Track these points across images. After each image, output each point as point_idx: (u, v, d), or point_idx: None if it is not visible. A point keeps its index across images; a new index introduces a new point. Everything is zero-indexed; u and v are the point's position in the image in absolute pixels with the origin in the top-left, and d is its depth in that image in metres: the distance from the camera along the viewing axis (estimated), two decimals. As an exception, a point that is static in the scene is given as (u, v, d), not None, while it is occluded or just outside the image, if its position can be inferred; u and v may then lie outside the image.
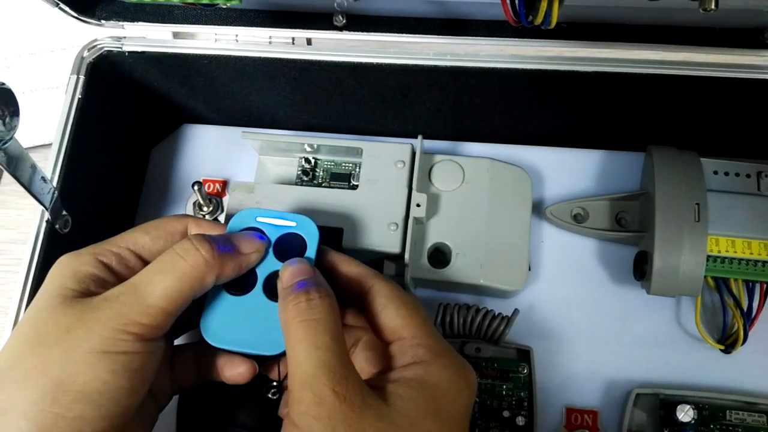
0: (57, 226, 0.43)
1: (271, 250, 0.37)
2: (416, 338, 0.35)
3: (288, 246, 0.37)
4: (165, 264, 0.33)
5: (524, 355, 0.48)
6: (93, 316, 0.31)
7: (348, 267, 0.38)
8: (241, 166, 0.55)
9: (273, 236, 0.38)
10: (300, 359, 0.32)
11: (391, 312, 0.36)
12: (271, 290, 0.36)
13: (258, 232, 0.37)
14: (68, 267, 0.34)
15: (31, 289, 0.42)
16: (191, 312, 0.36)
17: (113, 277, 0.34)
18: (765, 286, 0.46)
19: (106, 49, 0.47)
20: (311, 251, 0.37)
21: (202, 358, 0.38)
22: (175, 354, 0.38)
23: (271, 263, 0.37)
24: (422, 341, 0.34)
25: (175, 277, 0.33)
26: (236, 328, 0.36)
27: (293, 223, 0.38)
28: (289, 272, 0.35)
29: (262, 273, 0.37)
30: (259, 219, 0.38)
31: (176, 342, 0.39)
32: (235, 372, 0.37)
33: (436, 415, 0.32)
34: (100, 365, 0.31)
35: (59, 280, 0.34)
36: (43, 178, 0.41)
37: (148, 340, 0.32)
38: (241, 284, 0.37)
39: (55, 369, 0.30)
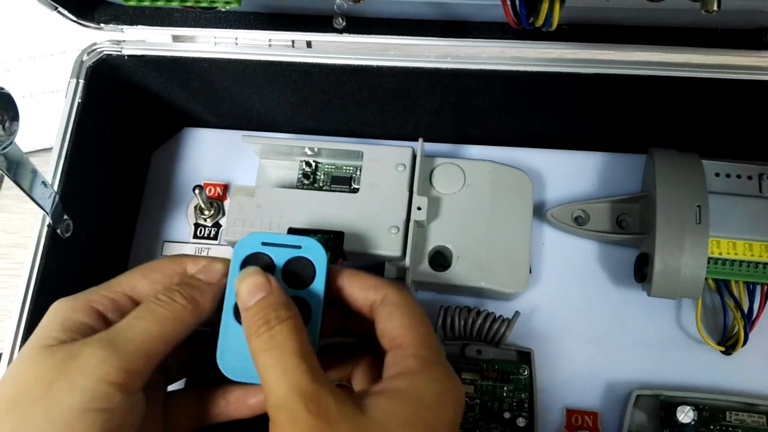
0: (59, 231, 0.43)
1: (280, 277, 0.36)
2: (411, 348, 0.34)
3: (296, 271, 0.36)
4: (143, 311, 0.33)
5: (525, 356, 0.48)
6: (75, 366, 0.31)
7: (361, 281, 0.37)
8: (242, 169, 0.55)
9: (280, 261, 0.36)
10: (271, 385, 0.31)
11: (395, 320, 0.35)
12: None
13: (264, 256, 0.36)
14: (59, 314, 0.34)
15: (33, 293, 0.42)
16: (186, 356, 0.36)
17: (105, 326, 0.34)
18: (766, 287, 0.46)
19: (105, 52, 0.47)
20: (320, 274, 0.36)
21: (208, 399, 0.37)
22: (170, 401, 0.37)
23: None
24: (416, 351, 0.34)
25: (155, 320, 0.33)
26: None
27: (299, 246, 0.36)
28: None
29: None
30: (263, 243, 0.36)
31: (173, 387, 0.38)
32: (261, 398, 0.36)
33: (415, 427, 0.31)
34: (79, 425, 0.30)
35: (47, 327, 0.33)
36: (44, 183, 0.41)
37: (129, 393, 0.32)
38: None
39: None
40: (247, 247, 0.36)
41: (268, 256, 0.36)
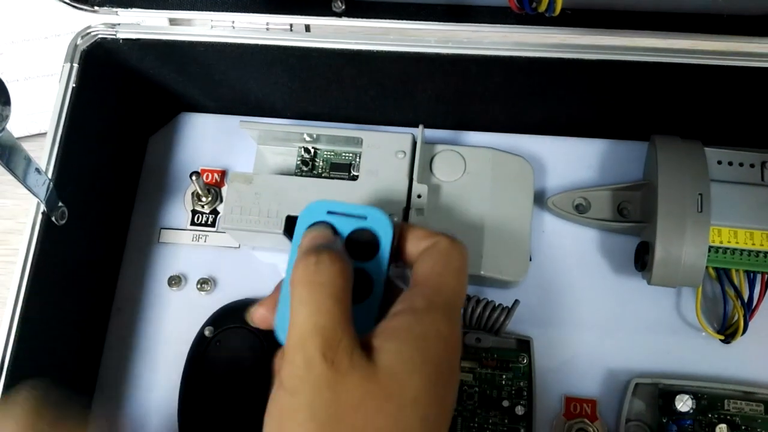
0: (53, 218, 0.43)
1: (342, 246, 0.35)
2: (424, 289, 0.33)
3: (360, 241, 0.35)
4: None
5: (524, 345, 0.48)
6: None
7: (415, 232, 0.36)
8: (240, 155, 0.54)
9: (344, 231, 0.35)
10: (299, 321, 0.31)
11: (427, 263, 0.34)
12: None
13: (329, 226, 0.35)
14: None
15: (28, 280, 0.42)
16: None
17: None
18: (766, 276, 0.46)
19: (100, 36, 0.46)
20: (385, 247, 0.35)
21: None
22: None
23: None
24: (427, 293, 0.33)
25: None
26: None
27: (365, 217, 0.35)
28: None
29: None
30: (329, 212, 0.35)
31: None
32: None
33: (421, 369, 0.31)
34: None
35: None
36: (38, 170, 0.40)
37: None
38: None
39: None
40: (313, 215, 0.35)
41: (332, 225, 0.35)
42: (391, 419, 0.30)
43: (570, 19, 0.43)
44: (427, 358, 0.31)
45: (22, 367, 0.41)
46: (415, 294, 0.33)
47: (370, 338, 0.32)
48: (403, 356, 0.31)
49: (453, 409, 0.33)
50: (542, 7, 0.37)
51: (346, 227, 0.35)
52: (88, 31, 0.46)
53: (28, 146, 0.47)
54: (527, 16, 0.40)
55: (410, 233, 0.36)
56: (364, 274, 0.34)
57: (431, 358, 0.31)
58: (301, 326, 0.31)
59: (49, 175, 0.43)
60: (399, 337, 0.31)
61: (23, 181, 0.39)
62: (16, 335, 0.41)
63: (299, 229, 0.35)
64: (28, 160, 0.39)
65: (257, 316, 0.36)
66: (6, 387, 0.40)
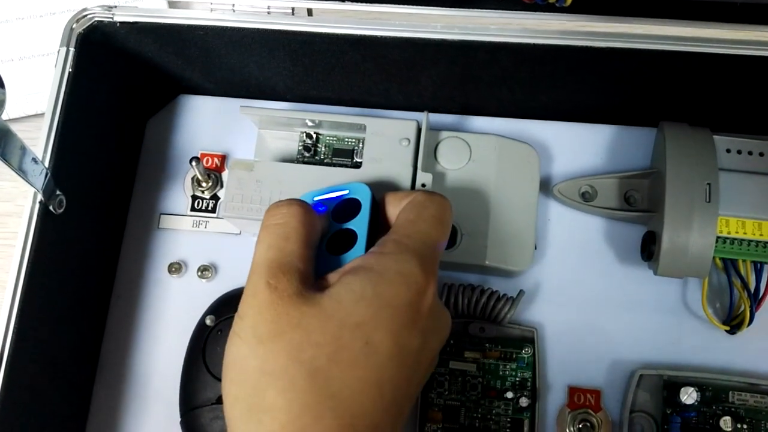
0: (51, 207, 0.42)
1: (330, 217, 0.39)
2: (396, 234, 0.36)
3: (344, 208, 0.39)
4: None
5: (528, 335, 0.47)
6: None
7: (396, 193, 0.39)
8: (241, 138, 0.53)
9: (331, 206, 0.40)
10: (253, 258, 0.34)
11: (402, 212, 0.37)
12: (333, 247, 0.38)
13: (318, 208, 0.40)
14: None
15: (27, 268, 0.41)
16: None
17: None
18: (774, 267, 0.46)
19: (96, 19, 0.45)
20: (365, 206, 0.39)
21: None
22: None
23: (331, 227, 0.39)
24: (399, 237, 0.35)
25: None
26: None
27: (347, 191, 0.40)
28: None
29: (324, 235, 0.39)
30: (316, 199, 0.40)
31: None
32: None
33: (371, 300, 0.32)
34: None
35: None
36: (34, 160, 0.39)
37: None
38: None
39: None
40: None
41: (322, 206, 0.40)
42: (329, 336, 0.31)
43: (579, 6, 0.42)
44: (379, 291, 0.32)
45: (22, 352, 0.41)
46: (385, 240, 0.35)
47: (331, 274, 0.34)
48: (353, 287, 0.33)
49: (425, 356, 0.34)
50: (553, -2, 0.36)
51: (332, 203, 0.40)
52: (84, 14, 0.45)
53: (23, 127, 0.47)
54: (536, 4, 0.39)
55: (390, 197, 0.39)
56: (350, 232, 0.38)
57: (385, 293, 0.32)
58: (254, 261, 0.34)
59: (47, 162, 0.42)
60: (355, 272, 0.33)
61: (20, 171, 0.38)
62: (16, 321, 0.40)
63: None
64: (24, 150, 0.38)
65: None
66: (6, 372, 0.40)
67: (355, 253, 0.37)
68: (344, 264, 0.36)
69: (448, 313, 0.37)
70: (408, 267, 0.33)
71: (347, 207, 0.39)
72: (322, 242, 0.38)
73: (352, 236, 0.38)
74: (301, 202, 0.36)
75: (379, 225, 0.39)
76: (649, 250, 0.46)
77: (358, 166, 0.47)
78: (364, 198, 0.39)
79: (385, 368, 0.32)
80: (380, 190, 0.45)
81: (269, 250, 0.34)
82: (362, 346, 0.31)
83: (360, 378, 0.31)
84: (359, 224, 0.38)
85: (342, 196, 0.40)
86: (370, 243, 0.37)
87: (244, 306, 0.33)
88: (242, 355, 0.32)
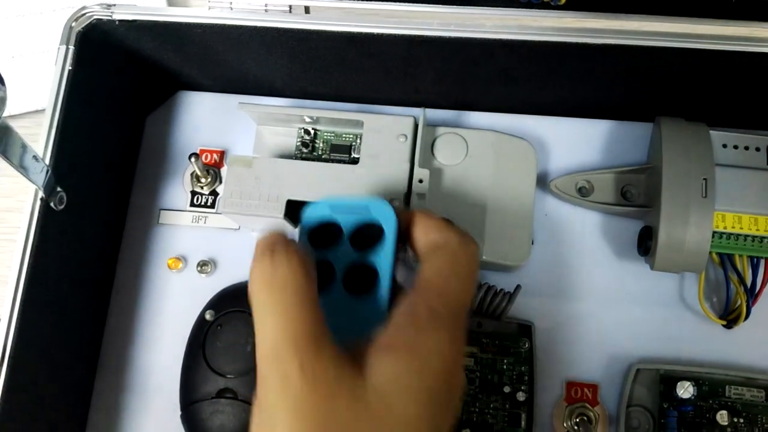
0: (52, 204, 0.42)
1: (347, 240, 0.34)
2: (428, 295, 0.31)
3: (363, 233, 0.34)
4: None
5: (526, 330, 0.48)
6: None
7: (427, 221, 0.34)
8: (239, 135, 0.53)
9: (348, 224, 0.35)
10: (266, 330, 0.28)
11: (434, 263, 0.32)
12: (351, 284, 0.33)
13: (331, 223, 0.35)
14: None
15: (28, 264, 0.41)
16: None
17: None
18: (770, 262, 0.46)
19: (95, 17, 0.45)
20: (389, 236, 0.34)
21: None
22: None
23: (348, 254, 0.34)
24: (431, 301, 0.31)
25: None
26: None
27: (367, 208, 0.34)
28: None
29: (339, 266, 0.34)
30: (331, 207, 0.35)
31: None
32: None
33: (417, 394, 0.28)
34: None
35: None
36: (35, 158, 0.40)
37: None
38: (319, 281, 0.32)
39: None
40: (315, 213, 0.35)
41: (335, 221, 0.35)
42: None
43: (574, 3, 0.42)
44: (424, 383, 0.29)
45: (23, 346, 0.41)
46: (418, 300, 0.31)
47: (366, 349, 0.29)
48: (399, 380, 0.28)
49: (451, 428, 0.31)
50: (548, -5, 0.36)
51: (349, 221, 0.35)
52: (83, 12, 0.45)
53: (23, 123, 0.47)
54: (530, 2, 0.39)
55: (421, 221, 0.34)
56: (369, 267, 0.34)
57: (429, 383, 0.29)
58: (271, 336, 0.28)
59: (47, 160, 0.42)
60: (397, 354, 0.29)
61: (20, 168, 0.38)
62: (18, 317, 0.41)
63: (303, 225, 0.35)
64: (25, 148, 0.38)
65: None
66: (8, 366, 0.40)
67: (379, 295, 0.33)
68: (364, 307, 0.32)
69: (464, 374, 0.35)
70: (448, 345, 0.30)
71: (366, 230, 0.35)
72: (338, 275, 0.34)
73: (371, 272, 0.33)
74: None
75: (398, 252, 0.34)
76: (645, 245, 0.47)
77: (355, 162, 0.48)
78: (389, 225, 0.34)
79: None
80: (379, 188, 0.45)
81: (286, 320, 0.28)
82: None
83: None
84: (383, 260, 0.33)
85: (362, 215, 0.35)
86: (393, 281, 0.33)
87: (271, 393, 0.28)
88: None
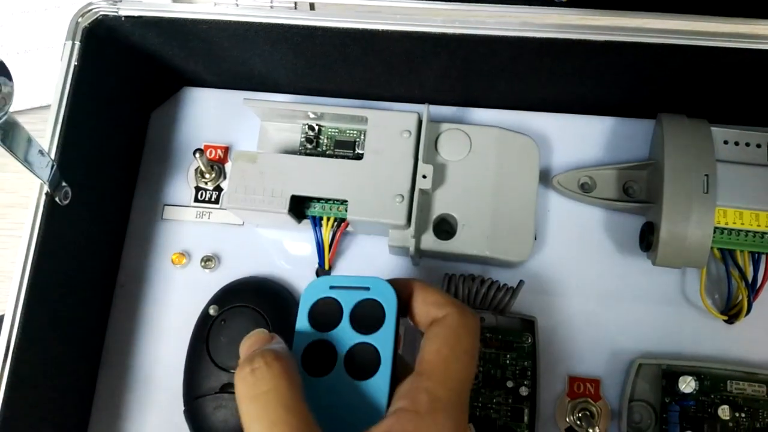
0: (57, 199, 0.43)
1: (347, 321, 0.34)
2: (429, 381, 0.31)
3: (364, 314, 0.34)
4: None
5: (528, 325, 0.48)
6: None
7: (426, 295, 0.35)
8: (244, 130, 0.54)
9: (348, 305, 0.35)
10: None
11: (435, 344, 0.33)
12: (353, 368, 0.33)
13: (332, 301, 0.35)
14: None
15: (33, 259, 0.41)
16: None
17: None
18: (771, 257, 0.46)
19: (101, 13, 0.45)
20: (390, 317, 0.34)
21: None
22: None
23: (349, 337, 0.34)
24: (432, 387, 0.31)
25: None
26: (323, 415, 0.31)
27: (368, 288, 0.35)
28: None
29: (341, 349, 0.34)
30: (331, 287, 0.35)
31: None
32: None
33: None
34: None
35: None
36: (41, 152, 0.40)
37: None
38: (320, 364, 0.33)
39: None
40: (315, 292, 0.35)
41: (335, 300, 0.35)
42: None
43: (576, 0, 0.42)
44: None
45: (27, 342, 0.41)
46: (419, 388, 0.31)
47: None
48: None
49: None
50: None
51: (349, 300, 0.35)
52: (90, 8, 0.45)
53: (29, 119, 0.47)
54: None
55: (421, 294, 0.35)
56: (371, 348, 0.34)
57: None
58: None
59: (53, 155, 0.42)
60: None
61: (26, 163, 0.39)
62: (22, 311, 0.41)
63: (303, 306, 0.35)
64: (31, 143, 0.38)
65: None
66: (13, 363, 0.40)
67: (381, 379, 0.33)
68: (366, 392, 0.32)
69: None
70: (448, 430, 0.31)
71: (367, 312, 0.34)
72: (339, 358, 0.34)
73: (373, 354, 0.33)
74: (278, 355, 0.31)
75: (399, 331, 0.34)
76: (647, 240, 0.47)
77: (359, 157, 0.48)
78: (389, 305, 0.34)
79: None
80: (383, 183, 0.45)
81: (275, 428, 0.29)
82: None
83: None
84: (383, 341, 0.33)
85: (362, 294, 0.35)
86: (394, 364, 0.33)
87: None
88: None
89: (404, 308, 0.35)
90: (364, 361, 0.33)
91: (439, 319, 0.33)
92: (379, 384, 0.32)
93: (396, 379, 0.32)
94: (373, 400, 0.32)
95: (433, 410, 0.30)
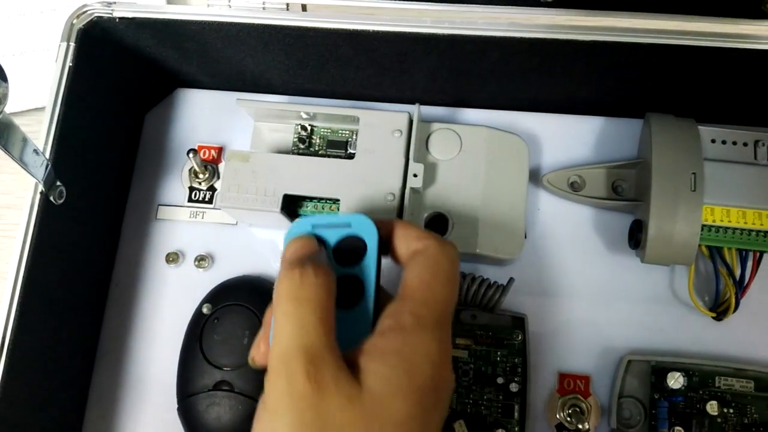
0: (51, 198, 0.43)
1: (331, 254, 0.36)
2: (412, 302, 0.33)
3: (347, 249, 0.36)
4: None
5: (519, 322, 0.48)
6: None
7: (407, 230, 0.36)
8: (237, 131, 0.54)
9: (331, 241, 0.36)
10: (282, 336, 0.31)
11: (415, 270, 0.34)
12: (339, 299, 0.34)
13: (316, 239, 0.36)
14: None
15: (28, 258, 0.42)
16: None
17: None
18: (758, 254, 0.47)
19: (96, 15, 0.46)
20: (372, 250, 0.35)
21: None
22: None
23: (334, 269, 0.35)
24: (415, 308, 0.33)
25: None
26: None
27: (349, 224, 0.36)
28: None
29: None
30: (314, 226, 0.36)
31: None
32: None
33: (407, 393, 0.31)
34: None
35: None
36: (36, 151, 0.40)
37: None
38: None
39: None
40: (299, 232, 0.36)
41: (319, 237, 0.36)
42: None
43: (564, 0, 0.43)
44: (413, 383, 0.31)
45: (22, 342, 0.42)
46: (404, 308, 0.33)
47: (357, 356, 0.32)
48: (390, 381, 0.31)
49: (440, 427, 0.33)
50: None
51: (332, 237, 0.36)
52: (84, 9, 0.46)
53: (24, 121, 0.47)
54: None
55: (401, 231, 0.36)
56: (355, 279, 0.35)
57: (418, 383, 0.31)
58: (285, 343, 0.31)
59: (47, 154, 0.43)
60: (386, 359, 0.31)
61: (21, 162, 0.39)
62: (16, 311, 0.41)
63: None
64: (26, 142, 0.39)
65: (260, 357, 0.36)
66: (7, 360, 0.41)
67: (365, 307, 0.34)
68: (351, 319, 0.34)
69: (453, 373, 0.35)
70: (432, 346, 0.32)
71: (350, 246, 0.36)
72: None
73: (357, 284, 0.35)
74: (327, 271, 0.33)
75: (381, 263, 0.36)
76: (636, 238, 0.47)
77: (351, 157, 0.48)
78: (370, 239, 0.35)
79: None
80: (374, 182, 0.46)
81: (304, 331, 0.31)
82: None
83: None
84: (366, 272, 0.35)
85: (344, 231, 0.36)
86: (377, 292, 0.35)
87: (276, 394, 0.30)
88: None
89: (385, 246, 0.36)
90: (348, 292, 0.34)
91: (419, 250, 0.35)
92: (363, 311, 0.34)
93: (379, 308, 0.34)
94: (358, 326, 0.34)
95: (418, 327, 0.32)
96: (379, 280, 0.35)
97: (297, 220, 0.37)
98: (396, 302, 0.34)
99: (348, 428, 0.30)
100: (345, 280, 0.35)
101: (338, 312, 0.33)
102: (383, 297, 0.35)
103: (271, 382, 0.31)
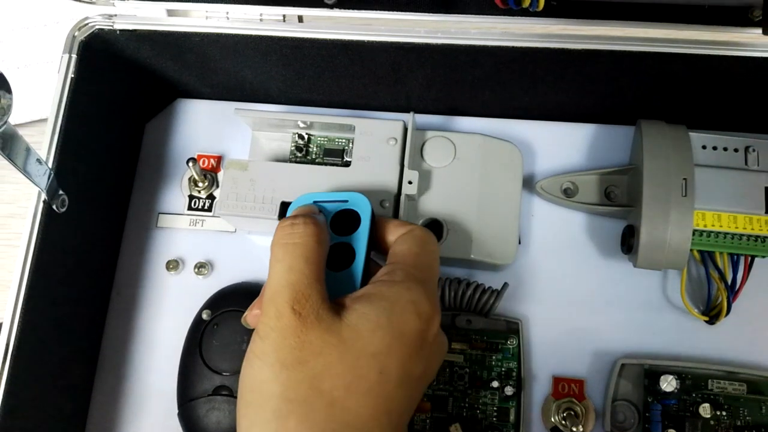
0: (54, 207, 0.44)
1: (328, 224, 0.39)
2: (403, 264, 0.37)
3: (343, 220, 0.40)
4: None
5: (513, 326, 0.49)
6: None
7: (394, 222, 0.40)
8: (236, 140, 0.55)
9: (329, 214, 0.40)
10: (272, 278, 0.35)
11: (404, 245, 0.38)
12: (332, 262, 0.38)
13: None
14: None
15: (30, 266, 0.43)
16: None
17: None
18: (749, 259, 0.47)
19: (97, 27, 0.47)
20: (365, 221, 0.39)
21: None
22: None
23: (330, 238, 0.38)
24: (406, 268, 0.36)
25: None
26: None
27: (346, 200, 0.40)
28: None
29: None
30: (315, 202, 0.40)
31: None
32: None
33: (386, 330, 0.33)
34: None
35: None
36: (39, 161, 0.41)
37: None
38: None
39: None
40: (300, 203, 0.40)
41: (319, 207, 0.40)
42: (348, 366, 0.33)
43: (555, 10, 0.43)
44: (393, 320, 0.34)
45: (25, 349, 0.42)
46: (395, 268, 0.36)
47: (345, 299, 0.35)
48: (369, 316, 0.33)
49: (425, 380, 0.36)
50: (526, 3, 0.37)
51: (330, 210, 0.40)
52: (86, 22, 0.47)
53: (27, 132, 0.48)
54: (511, 9, 0.41)
55: (388, 225, 0.40)
56: (348, 246, 0.39)
57: (398, 321, 0.34)
58: (274, 282, 0.34)
59: (50, 164, 0.44)
60: (370, 300, 0.34)
61: (25, 172, 0.40)
62: (20, 318, 0.42)
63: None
64: (29, 151, 0.40)
65: (252, 317, 0.38)
66: (11, 370, 0.41)
67: (354, 270, 0.38)
68: (341, 280, 0.37)
69: (446, 338, 0.38)
70: (419, 296, 0.35)
71: (345, 218, 0.40)
72: None
73: (349, 251, 0.38)
74: (316, 221, 0.37)
75: (373, 242, 0.40)
76: (628, 243, 0.48)
77: (347, 164, 0.49)
78: (364, 212, 0.39)
79: (394, 396, 0.33)
80: (370, 189, 0.47)
81: (291, 272, 0.34)
82: (377, 375, 0.33)
83: (373, 406, 0.33)
84: (358, 240, 0.39)
85: (341, 205, 0.40)
86: (367, 260, 0.38)
87: (265, 327, 0.33)
88: (263, 379, 0.33)
89: (373, 242, 0.40)
90: (341, 256, 0.38)
91: (405, 233, 0.39)
92: (353, 273, 0.38)
93: (368, 275, 0.38)
94: (347, 285, 0.37)
95: (407, 279, 0.36)
96: (369, 250, 0.39)
97: (300, 195, 0.41)
98: (386, 267, 0.37)
99: (326, 352, 0.32)
100: (339, 246, 0.39)
101: (330, 273, 0.37)
102: (373, 267, 0.39)
103: (263, 315, 0.34)
